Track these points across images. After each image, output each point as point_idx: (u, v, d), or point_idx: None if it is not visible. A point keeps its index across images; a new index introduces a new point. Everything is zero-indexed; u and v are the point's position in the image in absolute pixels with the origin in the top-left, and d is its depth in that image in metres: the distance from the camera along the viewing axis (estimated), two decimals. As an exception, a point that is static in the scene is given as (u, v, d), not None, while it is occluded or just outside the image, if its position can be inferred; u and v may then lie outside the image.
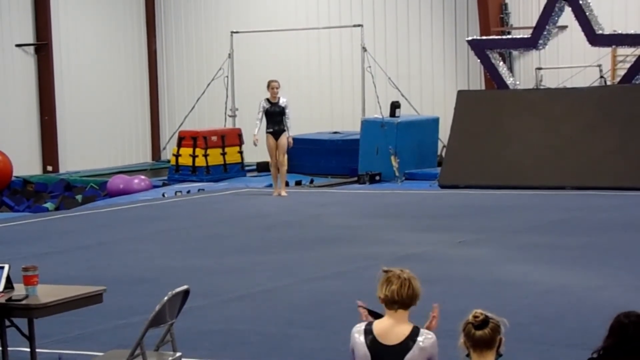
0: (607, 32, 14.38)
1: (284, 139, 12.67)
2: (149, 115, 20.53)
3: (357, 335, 3.30)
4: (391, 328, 3.27)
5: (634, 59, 14.51)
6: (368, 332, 3.28)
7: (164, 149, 19.72)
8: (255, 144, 12.89)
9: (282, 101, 12.67)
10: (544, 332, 5.69)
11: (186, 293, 4.49)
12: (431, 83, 18.14)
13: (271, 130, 12.69)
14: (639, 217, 10.37)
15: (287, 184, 13.50)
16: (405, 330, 3.27)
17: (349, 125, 17.78)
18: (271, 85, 12.74)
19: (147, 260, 8.52)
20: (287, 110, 12.68)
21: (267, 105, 12.68)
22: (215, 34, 19.66)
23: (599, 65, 15.84)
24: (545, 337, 5.60)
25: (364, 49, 16.83)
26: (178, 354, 4.52)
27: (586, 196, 12.30)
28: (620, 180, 12.79)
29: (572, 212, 10.95)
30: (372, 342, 3.25)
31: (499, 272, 7.52)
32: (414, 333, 3.28)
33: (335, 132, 17.31)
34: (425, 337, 3.28)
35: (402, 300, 3.27)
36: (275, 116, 12.67)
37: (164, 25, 20.43)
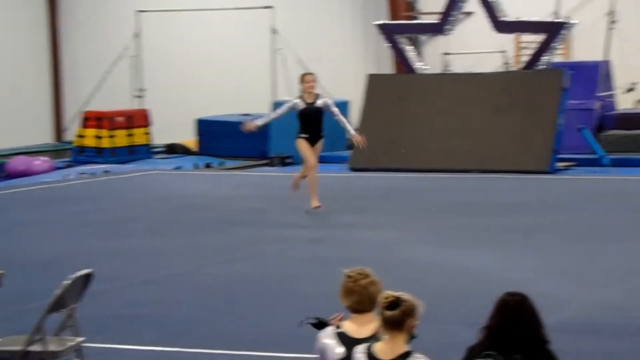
0: (511, 19, 14.73)
1: (319, 146, 9.84)
2: (51, 94, 19.87)
3: (327, 340, 3.32)
4: (359, 327, 3.32)
5: (537, 46, 14.93)
6: (339, 333, 3.34)
7: (67, 129, 19.15)
8: (245, 129, 10.09)
9: (321, 101, 9.69)
10: (450, 312, 5.81)
11: (88, 277, 4.37)
12: (342, 66, 18.20)
13: (307, 135, 9.70)
14: (539, 200, 10.72)
15: (198, 167, 13.16)
16: (372, 327, 3.30)
17: (260, 107, 17.68)
18: (304, 80, 9.70)
19: (49, 243, 8.27)
20: (332, 109, 9.68)
21: (302, 106, 9.64)
22: (121, 12, 19.15)
23: (504, 52, 16.23)
24: (451, 316, 5.71)
25: (274, 31, 16.73)
26: (80, 338, 4.40)
27: (490, 179, 12.62)
28: (522, 164, 13.17)
29: (476, 194, 11.21)
30: (343, 337, 3.31)
31: (405, 254, 7.63)
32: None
33: (246, 114, 17.16)
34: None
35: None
36: (312, 118, 9.65)
37: (66, 0, 19.76)
